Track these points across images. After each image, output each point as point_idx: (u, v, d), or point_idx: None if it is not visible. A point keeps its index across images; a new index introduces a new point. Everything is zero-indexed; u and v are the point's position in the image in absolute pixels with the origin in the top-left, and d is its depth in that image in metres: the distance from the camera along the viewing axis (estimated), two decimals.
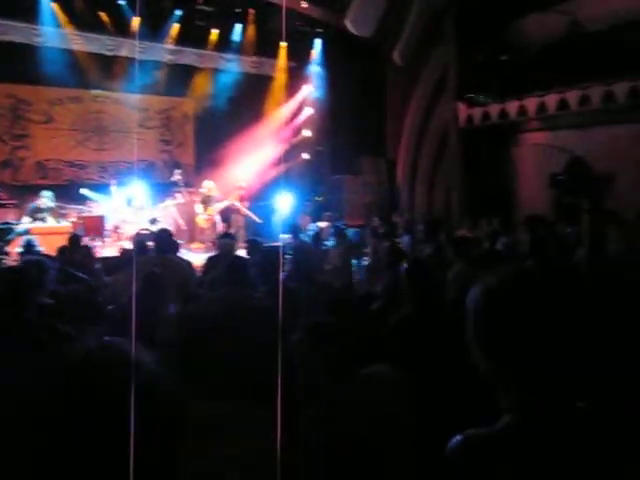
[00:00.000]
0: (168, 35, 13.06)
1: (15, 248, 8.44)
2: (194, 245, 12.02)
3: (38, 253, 6.65)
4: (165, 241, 5.80)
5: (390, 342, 3.26)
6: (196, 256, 9.35)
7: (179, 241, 7.35)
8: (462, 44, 12.65)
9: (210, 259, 6.46)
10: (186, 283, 5.31)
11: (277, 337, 2.18)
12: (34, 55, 11.60)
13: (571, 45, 11.31)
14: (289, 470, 1.87)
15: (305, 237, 8.72)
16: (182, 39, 13.25)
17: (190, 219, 12.47)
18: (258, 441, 1.82)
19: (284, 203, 12.77)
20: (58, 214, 10.74)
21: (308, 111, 15.06)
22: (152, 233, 7.45)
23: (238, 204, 12.33)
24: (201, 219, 12.25)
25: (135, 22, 12.17)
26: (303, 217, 12.76)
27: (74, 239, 6.82)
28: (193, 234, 12.59)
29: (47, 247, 7.43)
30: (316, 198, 14.33)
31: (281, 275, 4.43)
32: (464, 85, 12.80)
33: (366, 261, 7.25)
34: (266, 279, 4.16)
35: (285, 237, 7.80)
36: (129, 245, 7.43)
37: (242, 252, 7.37)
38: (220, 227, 11.96)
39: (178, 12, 12.86)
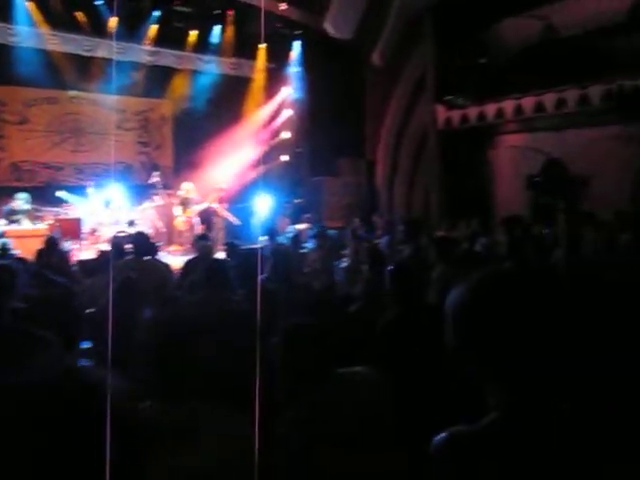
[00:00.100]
0: (146, 36, 12.97)
1: None
2: (173, 247, 11.93)
3: (13, 256, 6.55)
4: (143, 244, 5.75)
5: (377, 343, 3.27)
6: (175, 258, 9.29)
7: (157, 244, 7.29)
8: (440, 47, 12.75)
9: (188, 262, 6.42)
10: (164, 286, 5.27)
11: (256, 340, 2.17)
12: (8, 55, 11.43)
13: (547, 49, 11.47)
14: (267, 471, 1.86)
15: (284, 239, 8.70)
16: (160, 40, 13.16)
17: (168, 221, 12.38)
18: (236, 443, 1.81)
19: (263, 205, 12.73)
20: (34, 217, 10.59)
21: (287, 113, 15.04)
22: (130, 236, 7.38)
23: (217, 206, 12.27)
24: (179, 221, 12.17)
25: (112, 22, 12.06)
26: (282, 219, 12.74)
27: (50, 242, 6.73)
28: (172, 236, 12.49)
29: (23, 250, 7.32)
30: (295, 200, 14.31)
31: (260, 278, 4.42)
32: (443, 87, 12.90)
33: (346, 262, 7.25)
34: (245, 282, 4.14)
35: (264, 239, 7.78)
36: (107, 248, 7.35)
37: (221, 255, 7.35)
38: (199, 229, 11.89)
39: (156, 13, 12.78)
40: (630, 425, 1.30)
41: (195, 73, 14.04)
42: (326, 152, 14.37)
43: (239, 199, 13.23)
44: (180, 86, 14.05)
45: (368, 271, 5.05)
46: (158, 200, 12.35)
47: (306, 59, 14.53)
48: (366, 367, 2.43)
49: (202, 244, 6.68)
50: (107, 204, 11.47)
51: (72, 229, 10.83)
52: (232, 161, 13.55)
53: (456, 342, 1.29)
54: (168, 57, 13.69)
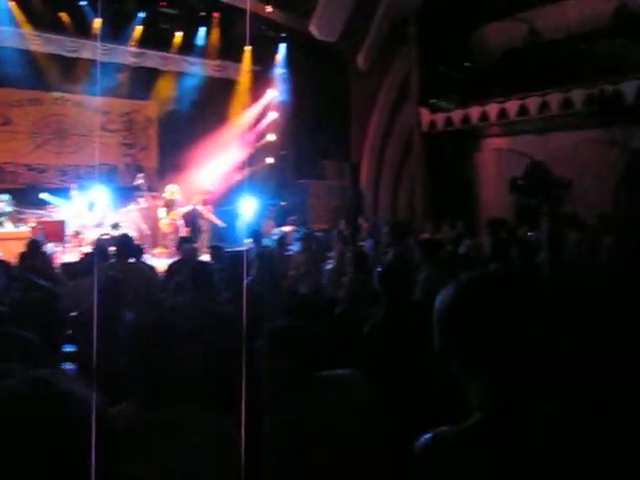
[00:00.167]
0: (131, 37, 12.90)
1: None
2: (157, 250, 11.86)
3: None
4: (127, 246, 5.71)
5: (366, 344, 3.29)
6: (159, 261, 9.24)
7: (142, 246, 7.24)
8: (425, 50, 12.83)
9: (172, 265, 6.40)
10: (149, 288, 5.25)
11: (242, 342, 2.17)
12: None
13: (530, 53, 11.59)
14: (253, 474, 1.86)
15: (269, 242, 8.68)
16: (146, 41, 13.10)
17: (153, 224, 12.30)
18: (220, 445, 1.81)
19: (248, 207, 12.71)
20: (17, 219, 10.47)
21: (272, 115, 15.04)
22: (114, 238, 7.33)
23: (202, 208, 12.22)
24: (164, 224, 12.10)
25: (97, 23, 11.98)
26: (267, 222, 12.72)
27: (33, 245, 6.66)
28: (156, 239, 12.42)
29: (5, 253, 7.24)
30: (280, 202, 14.30)
31: (245, 280, 4.41)
32: (427, 90, 12.98)
33: (331, 265, 7.26)
34: (230, 284, 4.13)
35: (249, 242, 7.76)
36: (90, 251, 7.29)
37: (206, 257, 7.32)
38: (183, 232, 11.84)
39: (142, 14, 12.72)
40: (614, 426, 1.31)
41: (180, 75, 13.98)
42: (311, 155, 14.39)
43: (224, 201, 13.19)
44: (165, 88, 13.99)
45: (352, 273, 5.07)
46: (143, 202, 12.27)
47: (291, 62, 14.53)
48: (351, 369, 2.44)
49: (186, 247, 6.66)
50: (91, 206, 11.37)
51: (55, 232, 10.72)
52: (217, 163, 13.51)
53: (441, 343, 1.30)
54: (153, 59, 13.62)
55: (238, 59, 14.22)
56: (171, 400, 1.84)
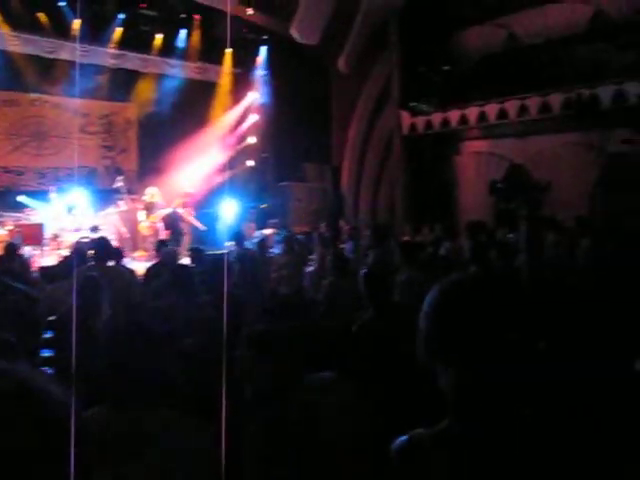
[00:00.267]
0: (111, 39, 12.80)
1: None
2: (137, 253, 11.76)
3: None
4: (106, 249, 5.66)
5: (354, 345, 3.32)
6: (139, 264, 9.17)
7: (122, 249, 7.19)
8: (405, 53, 12.90)
9: (150, 268, 6.35)
10: (128, 292, 5.20)
11: (222, 346, 2.16)
12: None
13: (509, 57, 11.72)
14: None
15: (250, 245, 8.66)
16: (125, 43, 13.02)
17: (133, 227, 12.20)
18: (198, 453, 1.80)
19: (229, 210, 12.67)
20: None
21: (253, 118, 15.03)
22: (93, 241, 7.26)
23: (182, 211, 12.16)
24: (144, 226, 12.01)
25: (76, 24, 11.87)
26: (248, 224, 12.69)
27: (10, 248, 6.59)
28: (136, 242, 12.32)
29: None
30: (261, 205, 14.28)
31: (226, 283, 4.40)
32: (407, 93, 13.05)
33: (311, 267, 7.26)
34: (211, 287, 4.12)
35: (230, 245, 7.73)
36: (69, 254, 7.21)
37: (186, 260, 7.28)
38: (163, 234, 11.77)
39: (121, 16, 12.63)
40: (591, 429, 1.33)
41: (160, 77, 13.92)
42: (292, 157, 14.39)
43: (205, 204, 13.13)
44: (145, 90, 13.90)
45: (332, 276, 5.08)
46: (122, 205, 12.17)
47: (272, 64, 14.55)
48: (332, 372, 2.44)
49: (165, 250, 6.62)
50: (70, 209, 11.25)
51: (33, 235, 10.60)
52: (198, 166, 13.45)
53: (424, 345, 1.31)
54: (133, 60, 13.55)
55: (219, 61, 14.19)
56: (142, 404, 1.82)
